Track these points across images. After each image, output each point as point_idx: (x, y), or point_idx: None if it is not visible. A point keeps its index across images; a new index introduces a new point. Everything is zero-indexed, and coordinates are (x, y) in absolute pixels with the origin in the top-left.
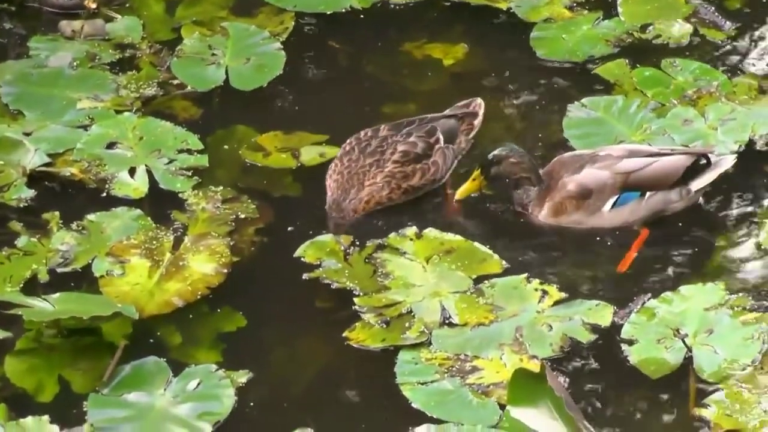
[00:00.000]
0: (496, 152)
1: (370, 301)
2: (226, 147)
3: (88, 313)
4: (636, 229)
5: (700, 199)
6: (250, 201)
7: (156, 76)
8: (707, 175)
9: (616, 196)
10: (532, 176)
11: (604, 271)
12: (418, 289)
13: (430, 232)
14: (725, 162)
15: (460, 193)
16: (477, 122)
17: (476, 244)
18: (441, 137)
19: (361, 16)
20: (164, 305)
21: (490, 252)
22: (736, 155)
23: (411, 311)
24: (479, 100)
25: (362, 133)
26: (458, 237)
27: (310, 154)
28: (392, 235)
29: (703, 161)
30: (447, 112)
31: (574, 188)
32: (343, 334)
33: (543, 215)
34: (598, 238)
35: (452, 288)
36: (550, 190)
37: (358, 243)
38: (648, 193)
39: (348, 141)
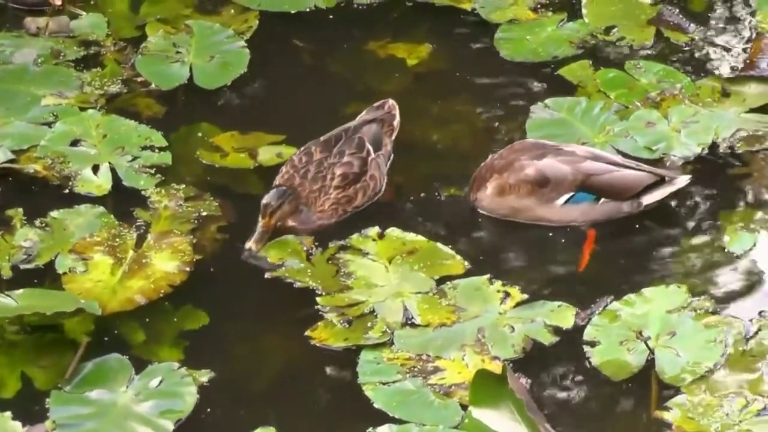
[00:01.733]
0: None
1: (332, 301)
2: (189, 145)
3: (51, 308)
4: (582, 229)
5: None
6: (212, 199)
7: (120, 73)
8: (660, 191)
9: (572, 194)
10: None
11: (566, 272)
12: (380, 290)
13: (393, 232)
14: (679, 181)
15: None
16: (396, 123)
17: (439, 244)
18: (371, 148)
19: (326, 15)
20: (127, 303)
21: (453, 253)
22: (690, 177)
23: (373, 311)
24: (391, 101)
25: (295, 158)
26: (420, 237)
27: (267, 154)
28: (355, 235)
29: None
30: (364, 115)
31: (533, 173)
32: (306, 333)
33: (487, 194)
34: (563, 240)
35: (414, 288)
36: (497, 170)
37: (319, 244)
38: (603, 199)
39: (284, 169)
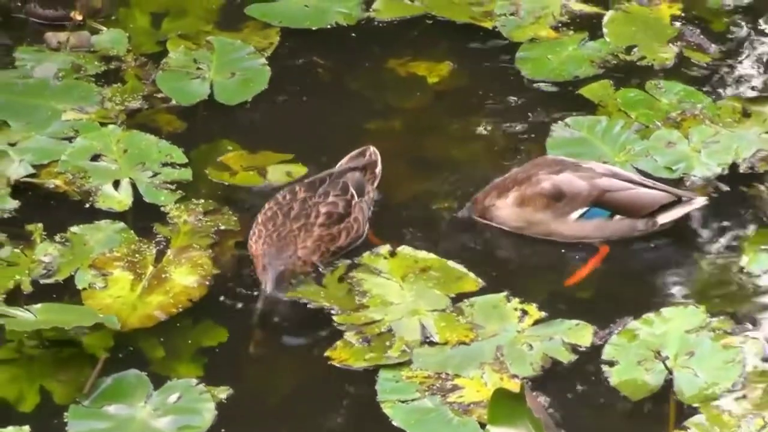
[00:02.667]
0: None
1: (349, 319)
2: (209, 161)
3: (70, 323)
4: (596, 245)
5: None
6: (231, 213)
7: (141, 89)
8: (675, 211)
9: (586, 208)
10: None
11: (583, 290)
12: (396, 308)
13: (404, 249)
14: (696, 202)
15: None
16: (378, 171)
17: (450, 262)
18: (354, 192)
19: (347, 32)
20: (146, 319)
21: (465, 270)
22: (707, 198)
23: (391, 330)
24: (372, 148)
25: (279, 196)
26: (432, 255)
27: (277, 173)
28: (366, 253)
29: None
30: (345, 162)
31: (549, 187)
32: (325, 354)
33: (506, 204)
34: (577, 257)
35: (430, 306)
36: (518, 182)
37: (327, 268)
38: (617, 216)
39: (268, 205)
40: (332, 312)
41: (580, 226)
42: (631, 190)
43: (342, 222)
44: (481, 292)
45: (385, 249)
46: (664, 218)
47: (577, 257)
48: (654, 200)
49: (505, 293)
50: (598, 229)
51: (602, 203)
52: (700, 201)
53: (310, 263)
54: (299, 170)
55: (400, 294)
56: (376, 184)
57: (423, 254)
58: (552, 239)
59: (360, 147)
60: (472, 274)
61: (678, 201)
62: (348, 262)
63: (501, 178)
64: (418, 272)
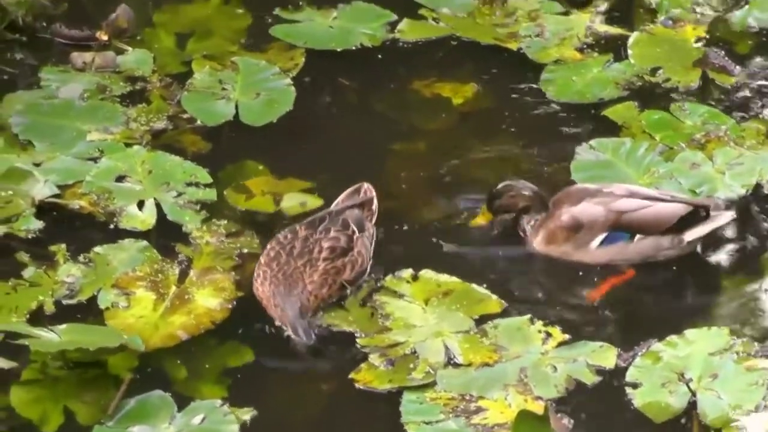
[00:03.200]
0: (498, 187)
1: (373, 342)
2: (234, 182)
3: (94, 344)
4: (622, 269)
5: (698, 247)
6: (254, 235)
7: (166, 109)
8: (702, 227)
9: (605, 234)
10: (536, 205)
11: (607, 312)
12: (419, 330)
13: (426, 273)
14: (723, 218)
15: (473, 222)
16: (375, 207)
17: (474, 285)
18: (355, 228)
19: (372, 54)
20: (168, 338)
21: (488, 292)
22: (734, 213)
23: (415, 351)
24: (367, 185)
25: (281, 236)
26: (455, 279)
27: (291, 202)
28: (388, 277)
29: (702, 213)
30: (342, 200)
31: (567, 219)
32: (350, 376)
33: (537, 242)
34: (596, 279)
35: (454, 328)
36: (549, 218)
37: (352, 288)
38: (637, 236)
39: (269, 246)
40: (356, 335)
41: (603, 252)
42: (647, 208)
43: (346, 255)
44: (504, 313)
45: (407, 273)
46: (690, 235)
47: (596, 279)
48: (672, 213)
49: (528, 315)
50: (621, 252)
51: (621, 226)
52: (727, 216)
53: (320, 297)
54: (315, 202)
55: (423, 317)
56: (374, 220)
57: (445, 277)
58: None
59: (381, 170)
60: (495, 296)
61: (704, 215)
62: (371, 285)
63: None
64: (441, 296)
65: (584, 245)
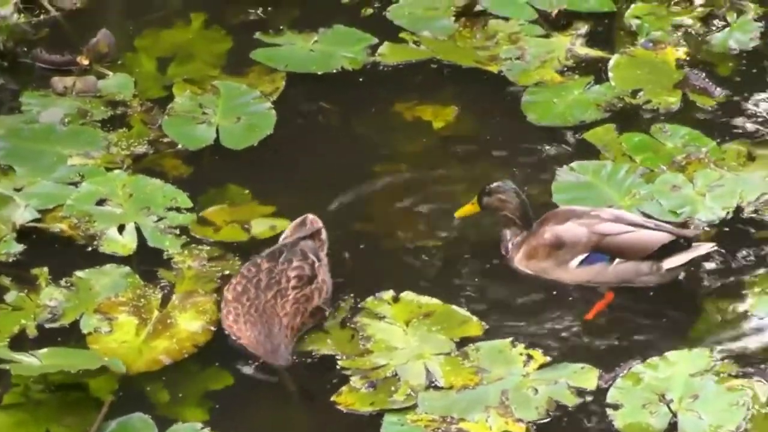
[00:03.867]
0: (492, 185)
1: (354, 364)
2: (214, 206)
3: (76, 367)
4: (602, 291)
5: (681, 276)
6: (235, 259)
7: (147, 133)
8: (682, 256)
9: (586, 255)
10: (517, 219)
11: (589, 334)
12: (401, 352)
13: (407, 295)
14: (703, 248)
15: (459, 212)
16: (324, 237)
17: (454, 306)
18: (314, 257)
19: (353, 77)
20: (152, 363)
21: (469, 314)
22: (715, 245)
23: (396, 374)
24: (311, 216)
25: (244, 270)
26: (436, 300)
27: (261, 227)
28: (369, 299)
29: (684, 243)
30: (289, 233)
31: (550, 237)
32: (331, 399)
33: (518, 258)
34: (571, 298)
35: (435, 350)
36: (532, 235)
37: (330, 309)
38: (617, 260)
39: (234, 281)
40: (337, 357)
41: (582, 272)
42: (630, 233)
43: (312, 283)
44: (486, 336)
45: (388, 294)
46: (669, 263)
47: (580, 300)
48: (653, 240)
49: (510, 338)
50: (600, 274)
51: (602, 248)
52: (707, 247)
53: (296, 328)
54: (282, 224)
55: (404, 339)
56: (325, 250)
57: (426, 299)
58: (560, 285)
59: (362, 193)
60: (475, 318)
61: (685, 245)
62: (351, 307)
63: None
64: (421, 317)
65: (564, 263)
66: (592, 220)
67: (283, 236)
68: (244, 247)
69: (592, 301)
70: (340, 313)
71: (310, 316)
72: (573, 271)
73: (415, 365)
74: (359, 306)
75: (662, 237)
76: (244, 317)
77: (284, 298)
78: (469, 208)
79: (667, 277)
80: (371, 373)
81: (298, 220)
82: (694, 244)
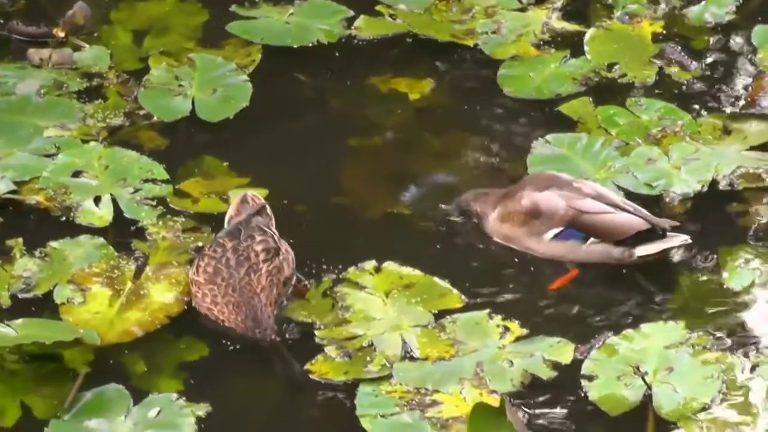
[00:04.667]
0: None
1: (331, 334)
2: (190, 177)
3: (51, 338)
4: (568, 267)
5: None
6: (210, 230)
7: (123, 105)
8: (654, 245)
9: (561, 229)
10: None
11: (565, 307)
12: (378, 323)
13: (389, 266)
14: (677, 239)
15: None
16: (269, 211)
17: (435, 278)
18: (270, 231)
19: (329, 50)
20: (124, 334)
21: (450, 287)
22: (688, 238)
23: (372, 344)
24: (250, 193)
25: (210, 251)
26: (417, 272)
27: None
28: (351, 269)
29: (660, 232)
30: (233, 212)
31: (527, 204)
32: (306, 367)
33: (492, 218)
34: (559, 275)
35: (413, 322)
36: (507, 198)
37: (310, 281)
38: (591, 239)
39: (202, 264)
40: (316, 327)
41: (555, 245)
42: (608, 214)
43: (279, 255)
44: (465, 309)
45: (370, 264)
46: (642, 250)
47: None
48: (629, 225)
49: (488, 310)
50: (572, 251)
51: (578, 225)
52: (683, 239)
53: (274, 303)
54: (260, 192)
55: (383, 309)
56: (273, 225)
57: (408, 270)
58: (538, 258)
59: (337, 165)
60: (455, 291)
61: (660, 234)
62: (333, 276)
63: (498, 190)
64: (401, 288)
65: (538, 234)
66: (572, 193)
67: (228, 215)
68: (221, 218)
69: (583, 274)
70: (324, 284)
71: (284, 285)
72: (546, 244)
73: (391, 336)
74: (341, 276)
75: (639, 224)
76: (223, 298)
77: (257, 272)
78: None
79: (637, 262)
80: (347, 343)
81: (238, 198)
82: (669, 234)
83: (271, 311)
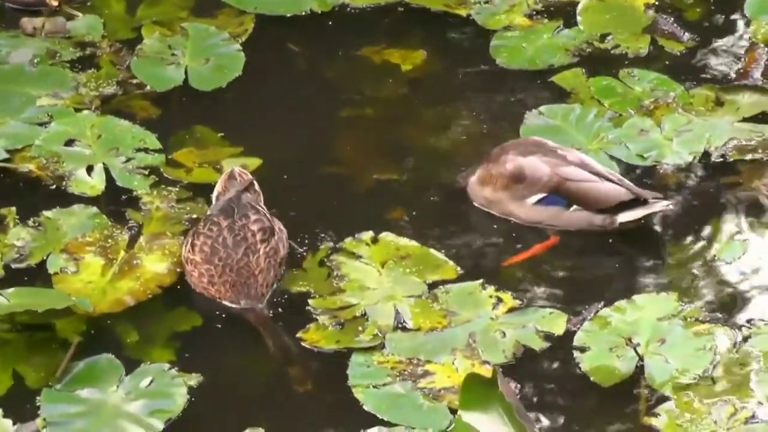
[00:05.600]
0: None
1: (324, 303)
2: (182, 147)
3: (43, 306)
4: (548, 234)
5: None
6: (204, 201)
7: (116, 75)
8: (636, 212)
9: (544, 195)
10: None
11: (560, 278)
12: (372, 293)
13: (386, 236)
14: (658, 205)
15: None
16: (257, 187)
17: (432, 250)
18: (261, 209)
19: (322, 19)
20: (116, 304)
21: (445, 258)
22: (670, 204)
23: (365, 314)
24: (237, 168)
25: (205, 230)
26: (414, 243)
27: (232, 167)
28: (348, 239)
29: (642, 200)
30: (221, 188)
31: (511, 168)
32: (297, 335)
33: (472, 181)
34: (554, 247)
35: (407, 292)
36: (489, 161)
37: (305, 249)
38: (574, 206)
39: (198, 242)
40: (311, 295)
41: (537, 211)
42: (592, 182)
43: (275, 234)
44: (460, 279)
45: (368, 235)
46: (624, 217)
47: (558, 246)
48: (612, 195)
49: (480, 281)
50: (554, 217)
51: (561, 192)
52: (663, 204)
53: (271, 285)
54: (253, 163)
55: (377, 279)
56: (262, 201)
57: (405, 241)
58: (531, 228)
59: (330, 136)
60: (451, 262)
61: (642, 202)
62: (330, 245)
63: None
64: (397, 259)
65: (521, 199)
66: (557, 159)
67: (216, 191)
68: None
69: (569, 244)
70: (321, 251)
71: (279, 266)
72: (528, 209)
73: (385, 306)
74: (337, 246)
75: (623, 194)
76: (220, 278)
77: (255, 254)
78: None
79: (618, 228)
80: (340, 313)
81: (225, 174)
82: (650, 199)
83: (266, 291)
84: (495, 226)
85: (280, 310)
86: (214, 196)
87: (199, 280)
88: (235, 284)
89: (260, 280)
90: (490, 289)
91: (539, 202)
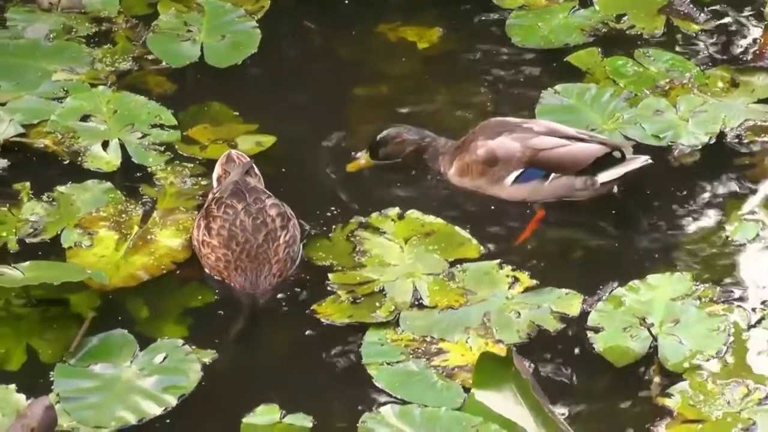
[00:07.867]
0: (382, 134)
1: (343, 278)
2: (198, 123)
3: (58, 279)
4: (534, 208)
5: (614, 189)
6: None
7: (131, 50)
8: (615, 170)
9: (521, 170)
10: (421, 144)
11: (576, 258)
12: (393, 269)
13: (413, 213)
14: (637, 161)
15: (350, 166)
16: (257, 170)
17: (457, 228)
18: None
19: None
20: (129, 278)
21: (469, 236)
22: (648, 158)
23: (383, 290)
24: (234, 152)
25: (221, 212)
26: (440, 220)
27: (247, 144)
28: (375, 214)
29: (618, 155)
30: (220, 170)
31: (483, 153)
32: (312, 308)
33: (451, 174)
34: (572, 227)
35: (427, 270)
36: (462, 150)
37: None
38: (552, 175)
39: (217, 225)
40: (332, 268)
41: (517, 188)
42: (564, 146)
43: (292, 218)
44: (482, 258)
45: (393, 212)
46: (604, 177)
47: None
48: (588, 154)
49: (498, 260)
50: (535, 190)
51: (537, 163)
52: (642, 160)
53: (282, 275)
54: (268, 140)
55: (399, 256)
56: (263, 184)
57: (431, 218)
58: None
59: (344, 113)
60: (475, 241)
61: (620, 157)
62: (361, 220)
63: (451, 144)
64: (422, 236)
65: (499, 180)
66: (525, 134)
67: (215, 174)
68: None
69: (587, 226)
70: (349, 226)
71: (293, 261)
72: (508, 188)
73: (404, 283)
74: (365, 221)
75: (597, 150)
76: (234, 263)
77: (275, 241)
78: (359, 164)
79: (602, 190)
80: (358, 288)
81: (223, 157)
82: (628, 157)
83: (275, 281)
84: (509, 205)
85: (303, 278)
86: (214, 178)
87: (216, 264)
88: (245, 270)
89: (274, 269)
90: (507, 269)
91: (517, 179)
